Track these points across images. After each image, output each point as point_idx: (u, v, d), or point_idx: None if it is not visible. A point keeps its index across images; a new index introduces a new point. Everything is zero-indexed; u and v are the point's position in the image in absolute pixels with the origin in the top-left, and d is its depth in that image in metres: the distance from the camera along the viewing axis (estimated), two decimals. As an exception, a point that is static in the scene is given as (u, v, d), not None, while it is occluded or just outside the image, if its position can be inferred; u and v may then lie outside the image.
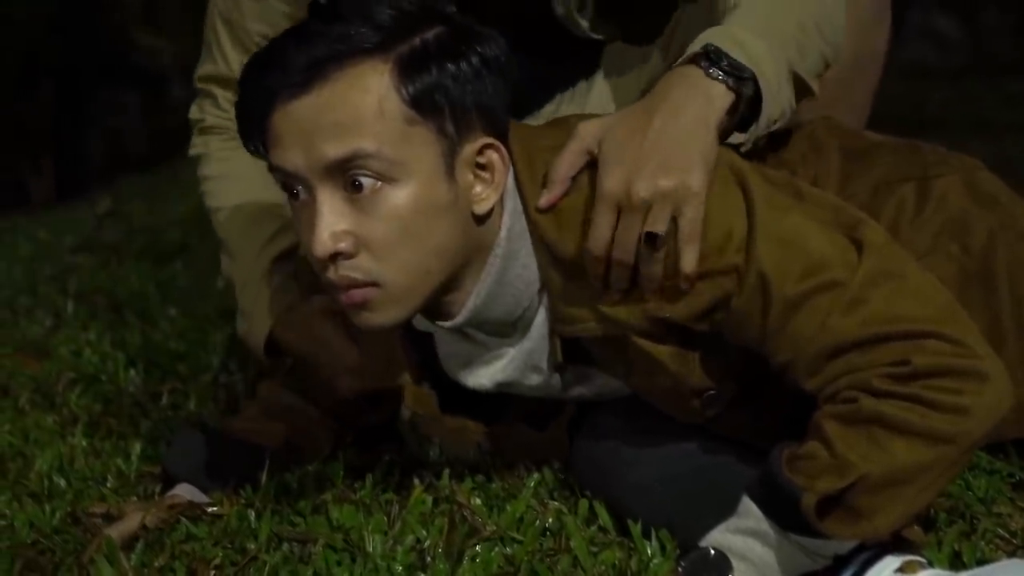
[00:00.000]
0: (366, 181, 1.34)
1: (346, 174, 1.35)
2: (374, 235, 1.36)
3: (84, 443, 1.97)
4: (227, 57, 1.88)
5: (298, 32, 1.38)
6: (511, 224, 1.44)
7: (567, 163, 1.42)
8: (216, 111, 1.93)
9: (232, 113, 1.44)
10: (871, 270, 1.34)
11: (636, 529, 1.47)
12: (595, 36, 1.78)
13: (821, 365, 1.33)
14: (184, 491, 1.71)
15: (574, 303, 1.44)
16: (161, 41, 8.11)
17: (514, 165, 1.44)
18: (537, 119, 1.83)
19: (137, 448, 1.93)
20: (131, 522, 1.63)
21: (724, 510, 1.36)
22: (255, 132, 1.40)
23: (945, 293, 1.37)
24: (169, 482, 1.74)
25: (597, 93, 1.84)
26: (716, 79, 1.41)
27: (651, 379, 1.46)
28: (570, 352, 1.50)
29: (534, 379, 1.54)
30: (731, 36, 1.44)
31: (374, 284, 1.37)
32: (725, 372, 1.45)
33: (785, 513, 1.31)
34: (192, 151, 1.94)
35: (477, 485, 1.67)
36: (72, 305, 2.92)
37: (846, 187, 1.56)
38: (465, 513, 1.57)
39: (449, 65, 1.36)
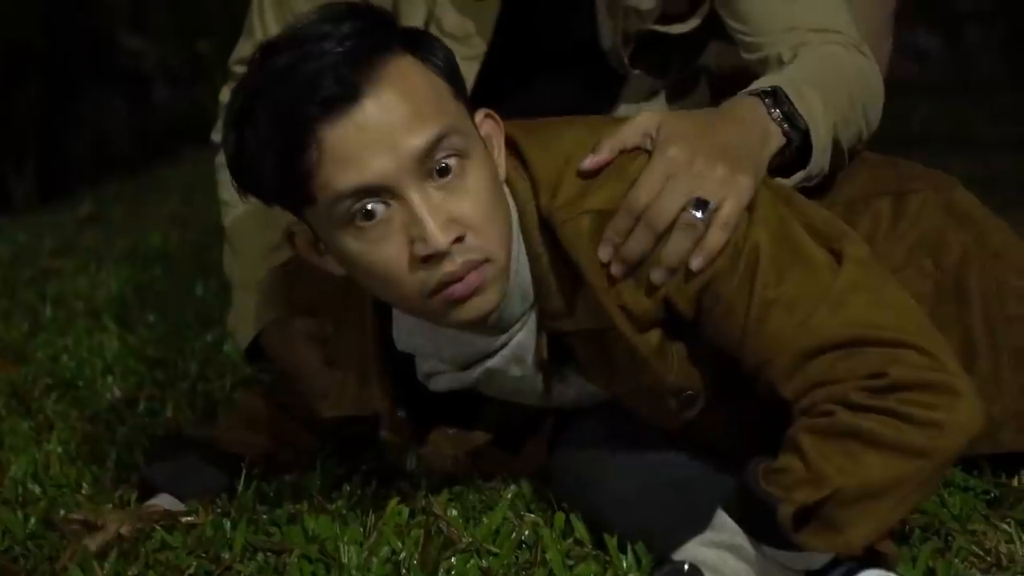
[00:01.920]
0: (451, 162, 1.35)
1: (432, 160, 1.35)
2: (473, 212, 1.36)
3: (59, 449, 1.96)
4: None
5: (304, 53, 1.34)
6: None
7: (625, 135, 1.43)
8: None
9: None
10: (851, 278, 1.36)
11: (612, 543, 1.46)
12: (633, 71, 1.83)
13: (800, 367, 1.33)
14: (162, 501, 1.71)
15: (563, 295, 1.44)
16: (146, 44, 8.09)
17: (511, 137, 1.45)
18: None
19: (113, 455, 1.92)
20: (107, 531, 1.62)
21: (700, 523, 1.36)
22: (286, 170, 1.35)
23: (920, 311, 1.39)
24: (147, 492, 1.74)
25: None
26: (775, 120, 1.49)
27: (630, 378, 1.46)
28: (555, 351, 1.50)
29: (516, 371, 1.52)
30: (796, 86, 1.51)
31: (487, 260, 1.37)
32: (702, 373, 1.45)
33: (760, 526, 1.31)
34: (214, 135, 1.90)
35: (454, 496, 1.67)
36: (50, 310, 2.90)
37: (822, 199, 1.57)
38: (441, 525, 1.57)
39: (435, 42, 1.41)
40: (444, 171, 1.35)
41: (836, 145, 1.56)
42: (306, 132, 1.32)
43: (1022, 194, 3.83)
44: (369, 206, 1.34)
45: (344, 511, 1.65)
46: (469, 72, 1.74)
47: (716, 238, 1.38)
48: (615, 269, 1.41)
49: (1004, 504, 1.56)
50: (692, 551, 1.35)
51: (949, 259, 1.57)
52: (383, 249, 1.36)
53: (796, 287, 1.35)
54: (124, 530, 1.62)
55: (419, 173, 1.34)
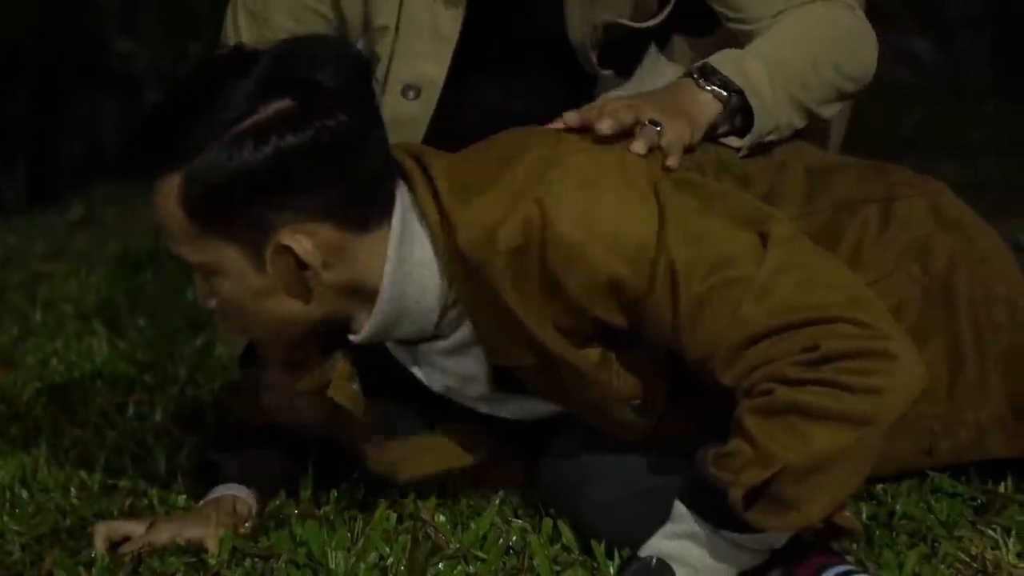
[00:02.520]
0: (199, 272, 1.49)
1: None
2: (225, 307, 1.50)
3: (48, 454, 1.96)
4: None
5: (139, 129, 1.47)
6: (396, 263, 1.46)
7: (581, 112, 1.55)
8: None
9: None
10: (777, 261, 1.37)
11: (599, 549, 1.47)
12: (603, 71, 1.84)
13: (737, 356, 1.35)
14: (229, 490, 1.67)
15: (500, 332, 1.47)
16: (136, 46, 8.08)
17: (433, 185, 1.46)
18: None
19: (101, 459, 1.92)
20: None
21: None
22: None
23: (853, 279, 1.40)
24: (211, 481, 1.70)
25: None
26: (704, 88, 1.63)
27: (581, 393, 1.49)
28: (501, 377, 1.53)
29: (475, 390, 1.56)
30: (733, 59, 1.65)
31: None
32: (654, 380, 1.47)
33: (715, 511, 1.32)
34: None
35: (442, 502, 1.66)
36: (40, 314, 2.89)
37: (808, 204, 1.59)
38: (429, 530, 1.57)
39: (247, 160, 1.40)
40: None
41: (801, 106, 1.65)
42: None
43: (1011, 199, 3.85)
44: None
45: (332, 516, 1.65)
46: (441, 62, 1.76)
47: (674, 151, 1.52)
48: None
49: (991, 510, 1.57)
50: (655, 545, 1.36)
51: (937, 265, 1.58)
52: None
53: (720, 281, 1.37)
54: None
55: None
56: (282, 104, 1.40)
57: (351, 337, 1.52)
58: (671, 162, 1.51)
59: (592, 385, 1.47)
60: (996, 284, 1.59)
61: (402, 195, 1.48)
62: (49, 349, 2.56)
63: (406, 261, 1.47)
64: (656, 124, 1.54)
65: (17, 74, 7.48)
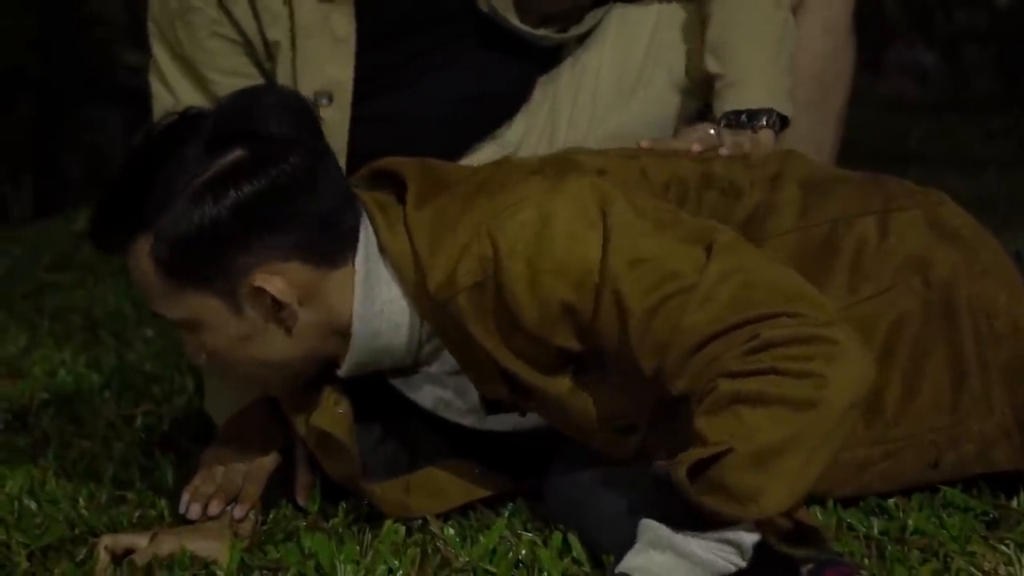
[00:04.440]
0: (181, 328, 1.56)
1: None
2: (214, 359, 1.57)
3: (56, 465, 1.96)
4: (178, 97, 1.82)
5: (103, 202, 1.52)
6: (364, 300, 1.53)
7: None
8: None
9: None
10: (719, 269, 1.39)
11: (609, 560, 1.46)
12: (526, 29, 1.82)
13: (684, 364, 1.36)
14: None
15: (474, 366, 1.52)
16: (144, 58, 8.10)
17: (408, 230, 1.50)
18: (525, 113, 1.89)
19: (110, 471, 1.92)
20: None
21: None
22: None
23: (794, 278, 1.41)
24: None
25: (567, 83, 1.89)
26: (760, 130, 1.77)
27: (562, 416, 1.53)
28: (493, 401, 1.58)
29: (467, 405, 1.62)
30: (761, 87, 1.79)
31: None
32: (629, 399, 1.48)
33: (673, 511, 1.31)
34: None
35: (451, 515, 1.66)
36: (47, 324, 2.90)
37: (803, 218, 1.59)
38: (438, 544, 1.56)
39: (209, 213, 1.46)
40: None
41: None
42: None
43: (1017, 213, 3.85)
44: None
45: (340, 529, 1.65)
46: (344, 63, 1.75)
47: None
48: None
49: (1003, 526, 1.56)
50: (625, 563, 1.35)
51: (937, 277, 1.57)
52: None
53: (663, 295, 1.39)
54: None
55: None
56: (234, 155, 1.47)
57: (338, 372, 1.59)
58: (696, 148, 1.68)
59: (569, 411, 1.51)
60: (998, 295, 1.58)
61: (365, 231, 1.53)
62: (57, 360, 2.56)
63: (374, 300, 1.53)
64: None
65: (22, 88, 7.51)
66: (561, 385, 1.50)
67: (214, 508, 1.64)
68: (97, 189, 1.55)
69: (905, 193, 1.65)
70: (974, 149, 5.51)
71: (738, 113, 1.76)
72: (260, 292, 1.49)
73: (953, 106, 6.75)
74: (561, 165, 1.59)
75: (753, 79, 1.78)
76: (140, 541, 1.59)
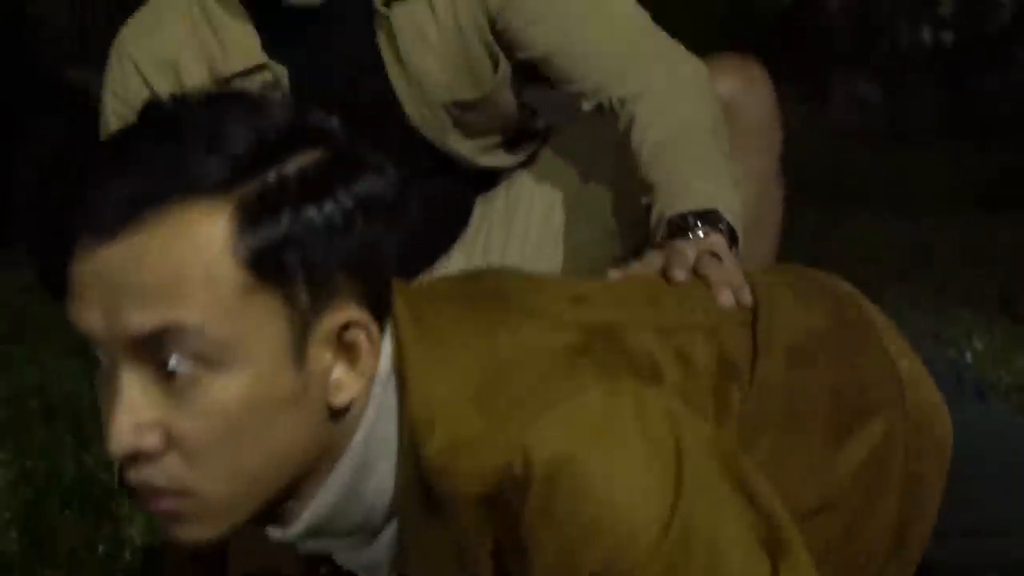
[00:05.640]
0: (183, 368, 1.01)
1: (155, 354, 1.01)
2: (189, 434, 1.03)
3: None
4: None
5: (116, 149, 1.03)
6: (374, 423, 1.11)
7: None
8: None
9: None
10: None
11: None
12: (467, 158, 1.85)
13: None
14: None
15: (427, 545, 1.15)
16: (92, 75, 8.02)
17: (399, 341, 1.11)
18: (463, 243, 1.92)
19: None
20: None
21: None
22: (56, 278, 1.04)
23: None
24: None
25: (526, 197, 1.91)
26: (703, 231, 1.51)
27: None
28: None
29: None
30: (701, 193, 1.55)
31: (184, 493, 1.05)
32: None
33: None
34: None
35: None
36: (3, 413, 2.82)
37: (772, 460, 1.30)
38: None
39: (310, 210, 1.02)
40: (169, 372, 1.02)
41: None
42: (63, 245, 1.03)
43: (958, 258, 3.91)
44: (98, 351, 1.04)
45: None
46: None
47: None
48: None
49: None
50: None
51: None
52: (104, 409, 1.05)
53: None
54: None
55: (138, 354, 1.02)
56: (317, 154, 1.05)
57: (274, 533, 1.15)
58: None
59: None
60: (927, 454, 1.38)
61: (386, 342, 1.12)
62: (17, 468, 2.49)
63: (391, 411, 1.13)
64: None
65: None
66: None
67: None
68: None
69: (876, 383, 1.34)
70: (914, 186, 5.57)
71: (683, 216, 1.51)
72: (355, 329, 1.05)
73: (894, 137, 6.86)
74: (608, 341, 1.17)
75: (695, 181, 1.57)
76: None
